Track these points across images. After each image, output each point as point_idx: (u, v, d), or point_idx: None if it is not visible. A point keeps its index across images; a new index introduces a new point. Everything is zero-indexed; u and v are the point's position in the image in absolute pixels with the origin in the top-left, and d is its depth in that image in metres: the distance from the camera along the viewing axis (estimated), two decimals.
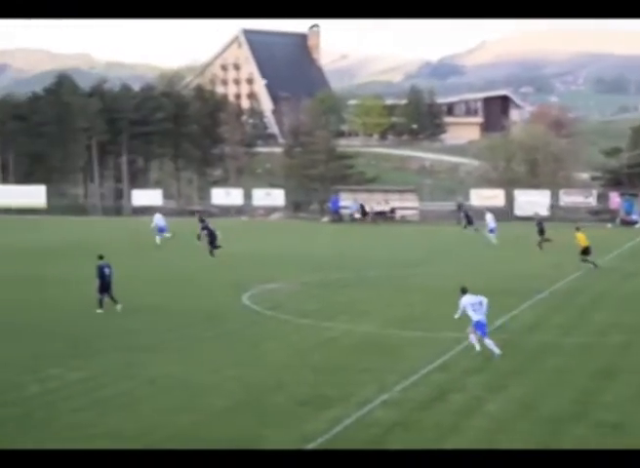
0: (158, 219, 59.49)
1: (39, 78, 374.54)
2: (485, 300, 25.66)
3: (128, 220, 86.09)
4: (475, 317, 25.39)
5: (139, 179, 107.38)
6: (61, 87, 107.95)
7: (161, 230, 58.74)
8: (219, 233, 51.35)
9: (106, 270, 33.11)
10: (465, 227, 68.92)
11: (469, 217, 69.90)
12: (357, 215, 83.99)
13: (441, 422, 19.36)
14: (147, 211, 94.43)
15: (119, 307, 32.77)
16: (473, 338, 25.71)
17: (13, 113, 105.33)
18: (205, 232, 52.38)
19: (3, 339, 28.02)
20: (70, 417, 19.64)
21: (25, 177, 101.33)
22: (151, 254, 53.20)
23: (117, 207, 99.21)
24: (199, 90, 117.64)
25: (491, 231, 59.20)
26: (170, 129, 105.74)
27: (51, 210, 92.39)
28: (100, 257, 33.50)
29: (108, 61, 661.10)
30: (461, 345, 26.33)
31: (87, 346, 26.89)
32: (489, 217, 59.91)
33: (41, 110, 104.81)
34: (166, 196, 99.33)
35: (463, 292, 26.08)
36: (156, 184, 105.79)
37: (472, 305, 25.51)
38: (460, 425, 19.23)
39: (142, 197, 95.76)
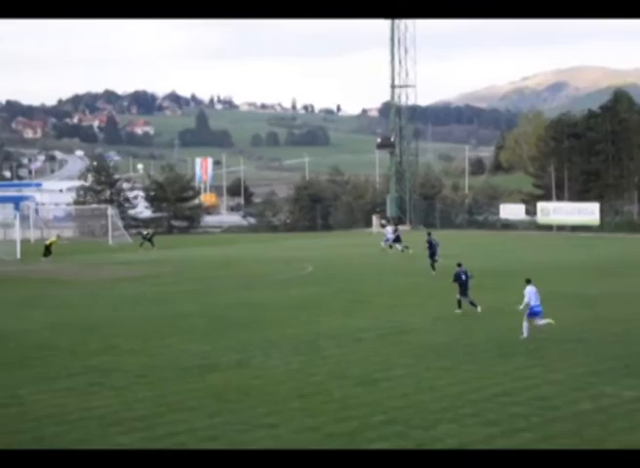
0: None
1: (595, 95, 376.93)
2: None
3: None
4: None
5: None
6: (618, 103, 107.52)
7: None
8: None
9: (463, 276, 35.66)
10: None
11: None
12: None
13: None
14: None
15: (479, 309, 35.52)
16: None
17: (568, 131, 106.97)
18: (426, 245, 54.46)
19: (561, 358, 28.61)
20: (622, 436, 19.52)
21: (579, 195, 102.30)
22: None
23: None
24: None
25: None
26: None
27: (604, 227, 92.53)
28: (459, 265, 36.17)
29: None
30: None
31: None
32: None
33: (596, 128, 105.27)
34: None
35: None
36: None
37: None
38: None
39: None
